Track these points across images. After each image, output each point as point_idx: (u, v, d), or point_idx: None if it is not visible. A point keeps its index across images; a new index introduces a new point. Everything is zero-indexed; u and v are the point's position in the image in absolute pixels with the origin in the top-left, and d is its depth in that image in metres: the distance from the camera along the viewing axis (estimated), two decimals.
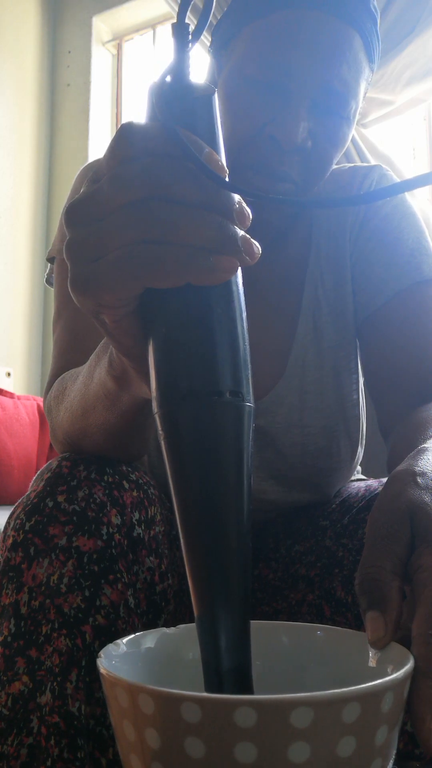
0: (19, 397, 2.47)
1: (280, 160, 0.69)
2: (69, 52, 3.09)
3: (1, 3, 2.89)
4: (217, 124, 0.37)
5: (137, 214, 0.33)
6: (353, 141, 2.03)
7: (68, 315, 0.79)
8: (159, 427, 0.35)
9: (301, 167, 0.70)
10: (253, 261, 0.35)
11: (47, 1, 3.12)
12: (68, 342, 0.77)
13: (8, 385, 2.75)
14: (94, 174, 0.36)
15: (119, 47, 3.10)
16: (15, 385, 2.82)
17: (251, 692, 0.34)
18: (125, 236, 0.33)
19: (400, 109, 2.09)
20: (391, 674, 0.31)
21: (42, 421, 2.46)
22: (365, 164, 0.87)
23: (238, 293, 0.36)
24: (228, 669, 0.33)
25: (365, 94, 0.75)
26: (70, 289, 0.36)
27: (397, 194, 0.34)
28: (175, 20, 0.38)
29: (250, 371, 0.36)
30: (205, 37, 2.27)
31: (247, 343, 0.36)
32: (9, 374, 2.81)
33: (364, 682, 0.29)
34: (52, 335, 0.82)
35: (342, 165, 0.87)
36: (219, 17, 0.77)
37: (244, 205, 0.35)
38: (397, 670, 0.32)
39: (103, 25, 3.06)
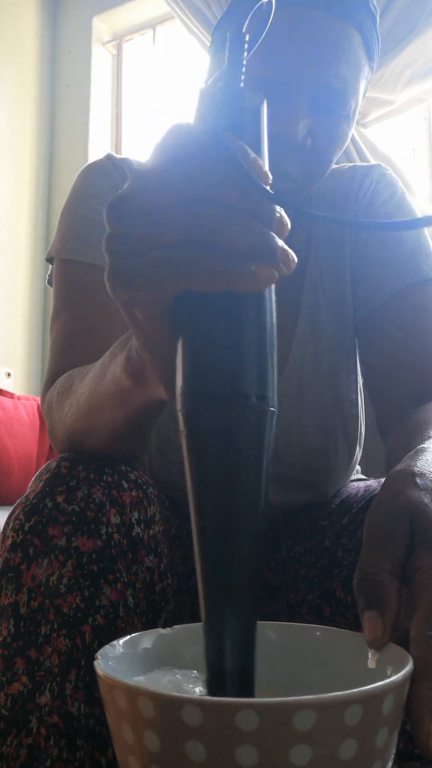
0: (19, 397, 2.46)
1: (280, 158, 0.69)
2: (69, 52, 3.09)
3: (1, 3, 2.89)
4: (263, 133, 0.37)
5: (182, 215, 0.33)
6: (353, 141, 2.03)
7: (66, 315, 0.78)
8: (181, 424, 0.35)
9: (301, 165, 0.70)
10: (289, 271, 0.35)
11: (47, 1, 3.12)
12: (67, 341, 0.77)
13: (8, 385, 2.75)
14: (138, 171, 0.36)
15: (119, 47, 3.10)
16: (15, 385, 2.82)
17: (252, 695, 0.34)
18: (169, 236, 0.34)
19: (400, 108, 2.09)
20: (391, 676, 0.31)
21: (42, 421, 2.45)
22: (365, 163, 0.87)
23: (271, 300, 0.36)
24: (232, 672, 0.33)
25: (365, 92, 0.75)
26: (107, 282, 0.36)
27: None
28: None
29: (276, 378, 0.36)
30: (205, 37, 2.27)
31: (275, 350, 0.36)
32: (9, 374, 2.81)
33: (362, 683, 0.29)
34: (51, 334, 0.82)
35: (342, 164, 0.86)
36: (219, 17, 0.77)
37: (284, 215, 0.35)
38: (397, 671, 0.31)
39: (103, 25, 3.06)
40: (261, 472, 0.34)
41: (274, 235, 0.34)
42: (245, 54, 0.37)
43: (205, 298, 0.35)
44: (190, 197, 0.33)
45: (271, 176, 0.35)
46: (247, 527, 0.34)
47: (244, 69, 0.37)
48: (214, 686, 0.33)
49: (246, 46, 0.37)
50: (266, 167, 0.36)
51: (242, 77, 0.37)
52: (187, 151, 0.34)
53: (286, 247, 0.35)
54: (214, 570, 0.34)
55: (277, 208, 0.35)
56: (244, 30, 0.37)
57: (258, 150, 0.36)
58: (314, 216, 0.35)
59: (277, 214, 0.35)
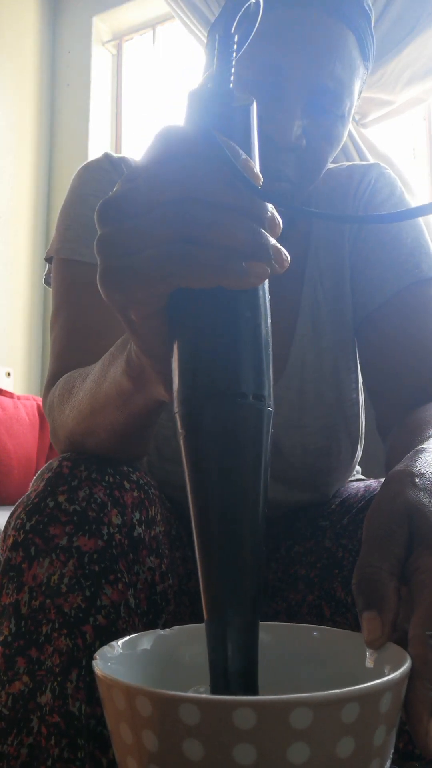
0: (19, 397, 2.47)
1: (276, 159, 0.69)
2: (69, 52, 3.09)
3: (1, 3, 2.89)
4: (253, 133, 0.38)
5: (174, 213, 0.34)
6: (353, 141, 2.03)
7: (66, 314, 0.78)
8: (179, 426, 0.35)
9: (297, 166, 0.70)
10: (282, 270, 0.35)
11: (47, 1, 3.12)
12: (67, 342, 0.77)
13: (8, 385, 2.75)
14: (128, 174, 0.37)
15: (119, 47, 3.10)
16: (15, 385, 2.82)
17: (256, 693, 0.34)
18: (162, 234, 0.34)
19: (400, 109, 2.09)
20: (389, 674, 0.31)
21: (42, 421, 2.45)
22: (363, 162, 0.87)
23: (265, 299, 0.36)
24: (235, 671, 0.33)
25: (361, 92, 0.75)
26: (99, 284, 0.36)
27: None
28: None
29: (272, 376, 0.36)
30: (205, 37, 2.27)
31: (270, 349, 0.36)
32: (9, 374, 2.81)
33: (362, 683, 0.29)
34: (50, 335, 0.82)
35: (340, 164, 0.87)
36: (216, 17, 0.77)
37: (276, 213, 0.35)
38: (395, 670, 0.32)
39: (103, 25, 3.06)
40: (260, 471, 0.34)
41: (266, 233, 0.34)
42: (234, 55, 0.38)
43: (199, 298, 0.35)
44: (183, 197, 0.34)
45: (261, 177, 0.36)
46: (248, 527, 0.34)
47: (233, 70, 0.37)
48: (217, 686, 0.33)
49: (235, 47, 0.38)
50: (257, 168, 0.36)
51: (231, 78, 0.37)
52: (178, 151, 0.35)
53: (278, 245, 0.35)
54: (216, 569, 0.34)
55: (269, 206, 0.35)
56: (232, 31, 0.37)
57: (248, 150, 0.37)
58: (309, 212, 0.36)
59: (269, 213, 0.35)
